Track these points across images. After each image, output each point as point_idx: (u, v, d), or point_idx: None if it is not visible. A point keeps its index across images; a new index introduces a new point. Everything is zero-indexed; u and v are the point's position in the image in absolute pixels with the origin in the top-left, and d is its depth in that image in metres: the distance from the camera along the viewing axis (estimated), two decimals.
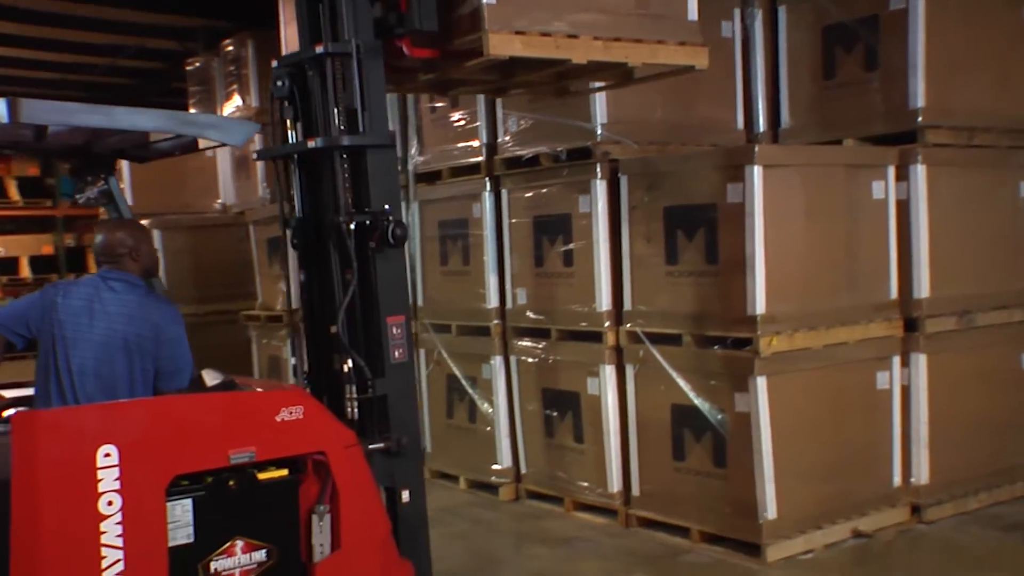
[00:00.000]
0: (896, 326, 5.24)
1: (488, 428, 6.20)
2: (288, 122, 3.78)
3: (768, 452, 4.73)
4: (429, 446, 6.70)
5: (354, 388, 3.68)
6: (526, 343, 5.95)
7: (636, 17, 4.09)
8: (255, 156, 6.89)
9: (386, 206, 3.63)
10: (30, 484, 2.81)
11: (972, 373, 5.48)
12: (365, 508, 3.40)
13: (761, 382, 4.72)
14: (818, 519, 4.94)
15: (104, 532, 2.84)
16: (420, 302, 6.65)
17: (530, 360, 5.94)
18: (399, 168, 6.65)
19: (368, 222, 3.61)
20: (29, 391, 3.58)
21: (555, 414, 5.82)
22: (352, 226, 3.61)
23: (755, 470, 4.75)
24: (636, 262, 5.33)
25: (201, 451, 3.07)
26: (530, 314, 5.92)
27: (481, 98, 6.02)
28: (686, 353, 5.05)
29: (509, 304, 6.06)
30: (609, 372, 5.45)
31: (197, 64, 9.19)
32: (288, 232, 3.86)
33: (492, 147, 6.11)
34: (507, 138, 5.97)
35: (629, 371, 5.36)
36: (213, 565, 3.09)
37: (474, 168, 6.18)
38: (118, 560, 2.85)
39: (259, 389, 3.55)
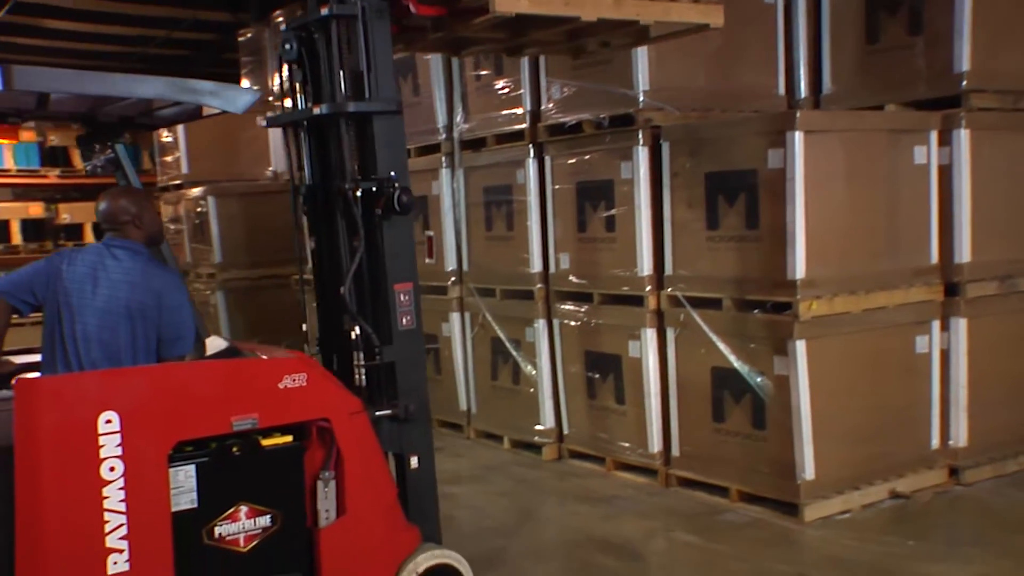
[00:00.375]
0: (936, 291, 5.14)
1: (531, 389, 6.21)
2: (298, 87, 3.69)
3: (807, 414, 4.69)
4: (474, 407, 6.74)
5: (362, 355, 3.60)
6: (569, 307, 5.94)
7: None
8: (263, 124, 6.85)
9: (392, 173, 3.53)
10: (32, 450, 2.80)
11: (1012, 337, 5.38)
12: (370, 474, 3.38)
13: (800, 346, 4.67)
14: (856, 480, 4.90)
15: (107, 497, 2.84)
16: (465, 267, 6.67)
17: (573, 323, 5.93)
18: (446, 135, 6.65)
19: (374, 189, 3.52)
20: (38, 357, 3.54)
21: (597, 376, 5.82)
22: (359, 193, 3.52)
23: (794, 432, 4.72)
24: (677, 227, 5.28)
25: (203, 418, 3.04)
26: (573, 278, 5.90)
27: (525, 65, 5.98)
28: (726, 317, 5.00)
29: (552, 269, 6.05)
30: (650, 335, 5.43)
31: (249, 35, 9.22)
32: (300, 199, 3.78)
33: (536, 114, 6.06)
34: (550, 105, 5.92)
35: (670, 334, 5.33)
36: (217, 530, 3.08)
37: (518, 135, 6.14)
38: (121, 524, 2.86)
39: (263, 356, 3.48)
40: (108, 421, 2.84)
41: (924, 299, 5.10)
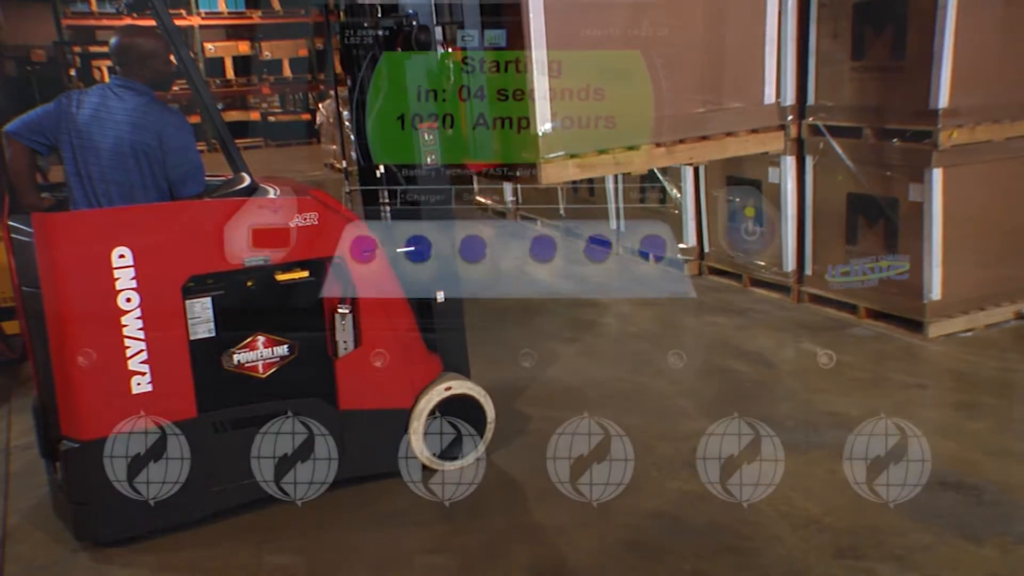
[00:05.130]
0: None
1: (676, 211, 6.13)
2: None
3: (937, 239, 4.46)
4: (624, 226, 6.73)
5: (386, 193, 3.43)
6: None
7: (703, 115, 3.46)
8: None
9: (411, 11, 3.24)
10: (52, 279, 2.80)
11: None
12: (385, 309, 3.25)
13: (937, 174, 4.38)
14: (981, 301, 4.67)
15: (126, 326, 2.83)
16: None
17: None
18: None
19: (394, 27, 3.26)
20: None
21: (737, 200, 5.67)
22: (380, 32, 3.26)
23: (923, 255, 4.50)
24: (821, 58, 4.93)
25: (214, 254, 2.93)
26: None
27: None
28: (865, 145, 4.72)
29: None
30: (789, 163, 5.20)
31: None
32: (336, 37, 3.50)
33: None
34: None
35: (808, 162, 5.09)
36: (236, 357, 3.04)
37: None
38: (141, 350, 2.86)
39: (278, 196, 3.21)
40: (121, 256, 2.80)
41: None
